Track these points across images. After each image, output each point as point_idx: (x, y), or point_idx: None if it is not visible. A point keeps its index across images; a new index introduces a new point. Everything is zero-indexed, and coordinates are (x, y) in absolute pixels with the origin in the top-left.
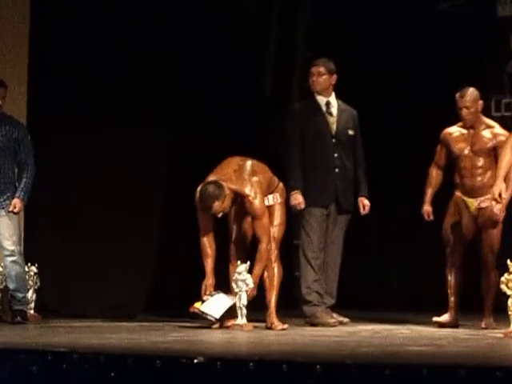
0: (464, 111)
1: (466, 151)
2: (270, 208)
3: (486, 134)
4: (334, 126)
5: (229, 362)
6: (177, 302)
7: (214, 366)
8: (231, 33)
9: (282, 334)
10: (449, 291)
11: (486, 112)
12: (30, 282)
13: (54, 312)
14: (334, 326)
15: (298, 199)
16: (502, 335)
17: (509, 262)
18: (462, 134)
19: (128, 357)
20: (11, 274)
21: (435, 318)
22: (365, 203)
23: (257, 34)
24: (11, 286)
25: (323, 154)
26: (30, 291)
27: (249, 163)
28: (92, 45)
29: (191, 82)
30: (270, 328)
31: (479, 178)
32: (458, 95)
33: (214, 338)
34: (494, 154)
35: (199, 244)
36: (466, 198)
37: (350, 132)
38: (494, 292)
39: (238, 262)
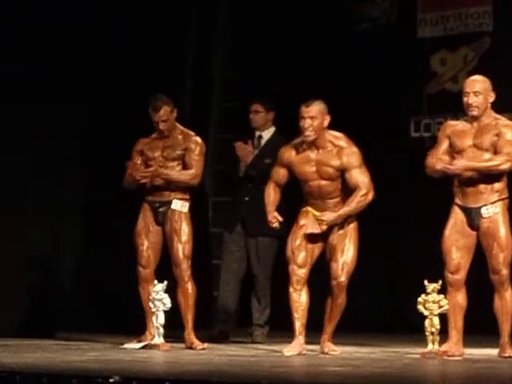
0: (307, 122)
1: (312, 169)
2: (175, 217)
3: (332, 154)
4: (252, 158)
5: (145, 381)
6: (96, 320)
7: None
8: (150, 52)
9: (199, 354)
10: (294, 314)
11: (406, 133)
12: None
13: None
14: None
15: None
16: (419, 356)
17: (426, 282)
18: (306, 154)
19: (44, 376)
20: None
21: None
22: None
23: (174, 54)
24: None
25: (239, 183)
26: None
27: None
28: None
29: (108, 106)
30: (190, 348)
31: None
32: (302, 107)
33: (131, 357)
34: (341, 178)
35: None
36: (316, 213)
37: (267, 160)
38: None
39: (155, 282)
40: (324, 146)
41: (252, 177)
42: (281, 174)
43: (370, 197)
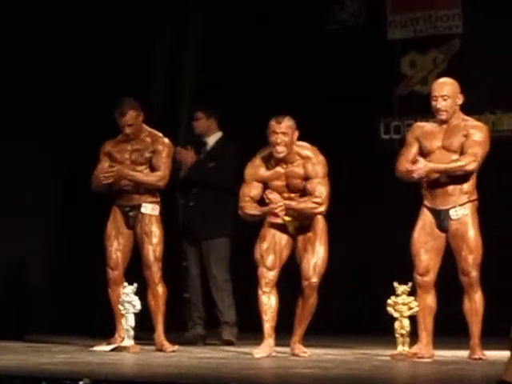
0: (280, 137)
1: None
2: (146, 220)
3: (299, 166)
4: (193, 161)
5: (114, 383)
6: (65, 323)
7: None
8: (121, 52)
9: (169, 356)
10: (264, 317)
11: (375, 135)
12: None
13: None
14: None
15: None
16: (389, 358)
17: (395, 284)
18: (276, 170)
19: (15, 378)
20: None
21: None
22: None
23: (145, 54)
24: None
25: (185, 188)
26: None
27: None
28: None
29: (81, 106)
30: (160, 350)
31: None
32: (273, 122)
33: (101, 359)
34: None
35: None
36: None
37: (210, 164)
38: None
39: (125, 284)
40: (293, 160)
41: (195, 181)
42: (256, 191)
43: (322, 209)
